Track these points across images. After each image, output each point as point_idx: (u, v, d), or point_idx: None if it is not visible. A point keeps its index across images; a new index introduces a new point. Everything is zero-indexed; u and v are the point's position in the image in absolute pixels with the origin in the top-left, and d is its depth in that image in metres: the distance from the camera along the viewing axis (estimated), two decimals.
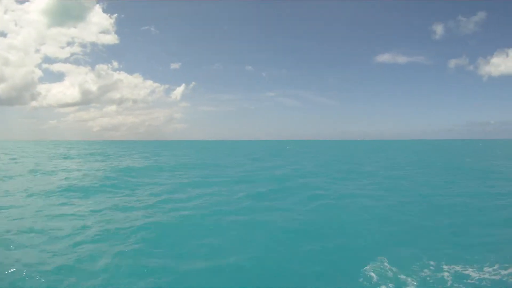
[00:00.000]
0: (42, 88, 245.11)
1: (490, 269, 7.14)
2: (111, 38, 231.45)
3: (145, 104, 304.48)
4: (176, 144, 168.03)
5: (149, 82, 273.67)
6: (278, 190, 17.48)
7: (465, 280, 6.73)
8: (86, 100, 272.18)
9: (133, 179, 21.61)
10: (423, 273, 7.00)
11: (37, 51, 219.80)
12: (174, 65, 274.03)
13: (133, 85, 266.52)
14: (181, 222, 11.15)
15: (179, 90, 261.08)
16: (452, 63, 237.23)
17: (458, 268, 7.26)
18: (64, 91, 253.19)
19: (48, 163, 33.64)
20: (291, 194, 16.38)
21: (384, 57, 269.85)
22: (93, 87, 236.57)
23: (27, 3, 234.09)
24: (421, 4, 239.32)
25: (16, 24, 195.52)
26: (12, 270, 7.02)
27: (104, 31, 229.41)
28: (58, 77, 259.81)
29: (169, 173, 25.78)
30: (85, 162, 36.98)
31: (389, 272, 7.03)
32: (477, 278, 6.82)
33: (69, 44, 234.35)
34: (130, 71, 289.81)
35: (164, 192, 16.97)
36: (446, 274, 6.99)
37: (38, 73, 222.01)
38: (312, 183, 20.06)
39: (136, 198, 15.27)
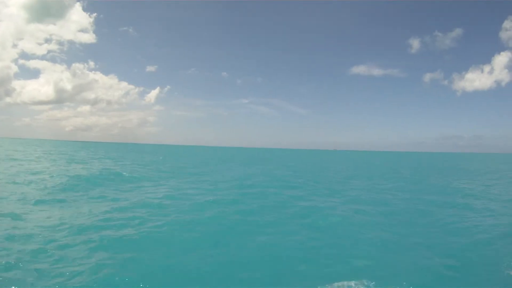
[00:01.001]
0: (17, 84, 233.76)
1: None
2: (88, 37, 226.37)
3: (119, 105, 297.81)
4: (152, 148, 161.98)
5: (124, 84, 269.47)
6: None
7: None
8: (60, 99, 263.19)
9: (149, 182, 23.03)
10: None
11: (15, 46, 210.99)
12: (150, 68, 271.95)
13: (108, 85, 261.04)
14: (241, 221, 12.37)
15: (154, 93, 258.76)
16: (427, 77, 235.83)
17: None
18: (39, 89, 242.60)
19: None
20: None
21: (360, 69, 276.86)
22: (68, 86, 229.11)
23: None
24: (399, 18, 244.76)
25: None
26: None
27: (83, 30, 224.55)
28: (34, 74, 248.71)
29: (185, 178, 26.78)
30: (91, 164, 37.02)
31: None
32: None
33: (47, 41, 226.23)
34: (105, 72, 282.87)
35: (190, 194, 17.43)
36: None
37: (14, 68, 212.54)
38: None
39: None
